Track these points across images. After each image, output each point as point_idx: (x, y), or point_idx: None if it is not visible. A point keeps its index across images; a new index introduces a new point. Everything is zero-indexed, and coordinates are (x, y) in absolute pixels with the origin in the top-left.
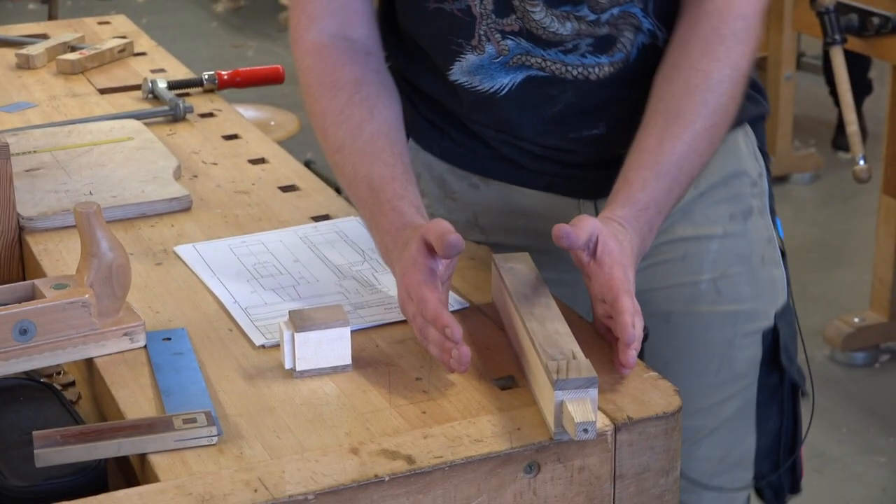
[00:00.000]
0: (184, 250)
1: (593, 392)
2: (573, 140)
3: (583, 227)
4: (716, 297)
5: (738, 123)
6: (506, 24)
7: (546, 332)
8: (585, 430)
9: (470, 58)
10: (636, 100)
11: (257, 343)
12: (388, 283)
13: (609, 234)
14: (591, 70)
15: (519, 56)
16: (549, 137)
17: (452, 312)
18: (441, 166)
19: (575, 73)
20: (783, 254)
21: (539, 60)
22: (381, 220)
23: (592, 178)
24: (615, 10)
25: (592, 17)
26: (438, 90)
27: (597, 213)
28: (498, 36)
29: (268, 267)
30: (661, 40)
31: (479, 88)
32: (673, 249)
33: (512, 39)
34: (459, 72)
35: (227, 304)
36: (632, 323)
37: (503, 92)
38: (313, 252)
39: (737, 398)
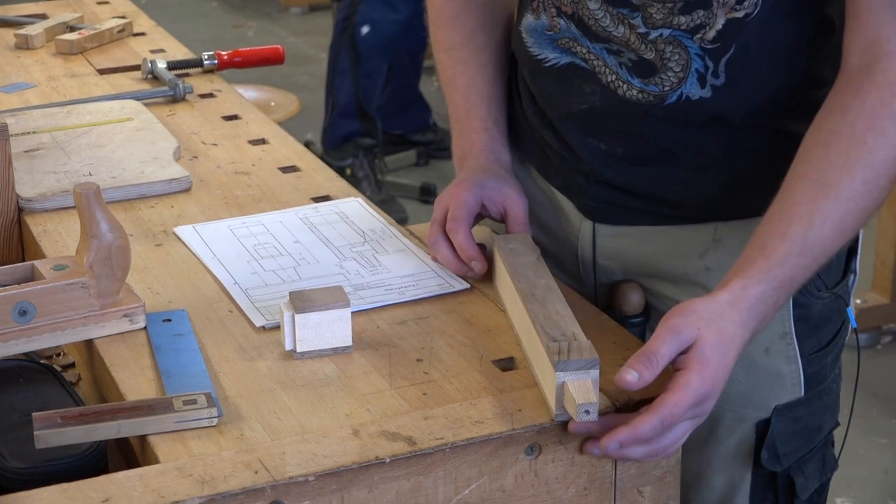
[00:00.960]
0: (184, 231)
1: (595, 373)
2: (591, 148)
3: (662, 354)
4: None
5: (765, 211)
6: (563, 2)
7: (547, 313)
8: (587, 412)
9: (529, 17)
10: (660, 143)
11: (258, 324)
12: (388, 265)
13: (712, 343)
14: (620, 84)
15: (568, 39)
16: (572, 133)
17: (451, 294)
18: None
19: (609, 77)
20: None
21: (584, 51)
22: (465, 133)
23: (596, 196)
24: (665, 32)
25: (643, 29)
26: (516, 41)
27: (594, 238)
28: (553, 10)
29: (268, 248)
30: (712, 90)
31: (531, 51)
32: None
33: (564, 20)
34: (524, 26)
35: (227, 286)
36: (649, 423)
37: (548, 64)
38: (314, 233)
39: (725, 479)
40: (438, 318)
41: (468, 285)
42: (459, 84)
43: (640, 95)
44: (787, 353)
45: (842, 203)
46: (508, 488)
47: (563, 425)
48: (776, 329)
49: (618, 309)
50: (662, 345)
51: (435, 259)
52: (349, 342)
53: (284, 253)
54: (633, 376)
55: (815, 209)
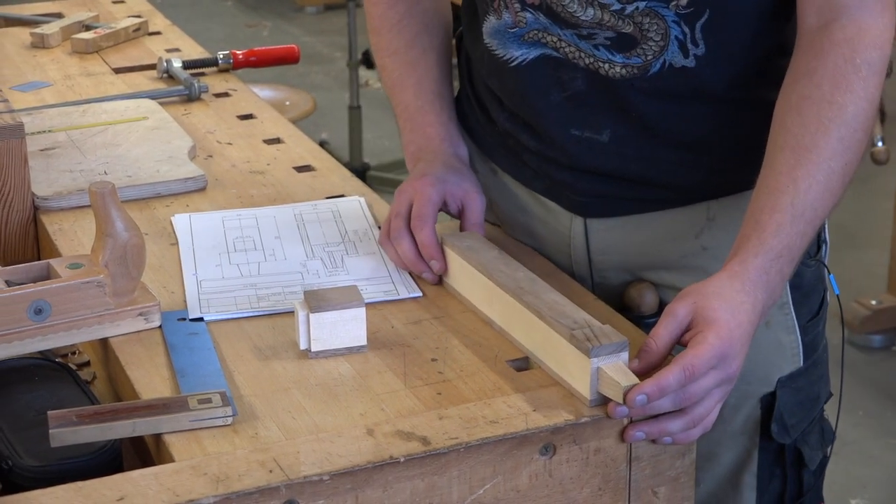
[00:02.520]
0: (178, 220)
1: (624, 356)
2: (574, 139)
3: (667, 329)
4: None
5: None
6: None
7: (547, 304)
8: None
9: (491, 20)
10: (649, 121)
11: (191, 316)
12: (350, 267)
13: (714, 307)
14: (601, 65)
15: (536, 31)
16: (552, 126)
17: (402, 300)
18: (471, 145)
19: (587, 61)
20: (809, 316)
21: (555, 40)
22: (420, 128)
23: (584, 190)
24: (640, 4)
25: (617, 6)
26: (477, 51)
27: (586, 234)
28: (517, 6)
29: (246, 241)
30: (695, 60)
31: (496, 53)
32: (672, 297)
33: (531, 13)
34: (486, 32)
35: (185, 274)
36: (672, 373)
37: (514, 63)
38: (298, 230)
39: (733, 455)
40: (453, 317)
41: (419, 293)
42: (408, 84)
43: (623, 70)
44: (786, 324)
45: (823, 164)
46: (523, 488)
47: (578, 426)
48: None
49: (633, 309)
50: (658, 328)
51: (391, 256)
52: (364, 341)
53: (259, 248)
54: (634, 363)
55: (798, 176)
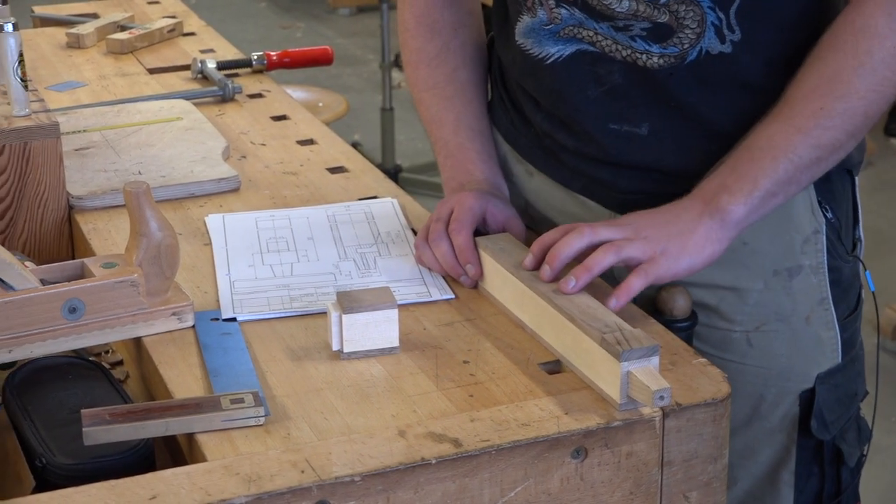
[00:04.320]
0: (212, 220)
1: (655, 360)
2: (613, 133)
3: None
4: (747, 349)
5: None
6: None
7: (579, 307)
8: (662, 397)
9: (525, 19)
10: (688, 111)
11: (224, 316)
12: (383, 268)
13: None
14: (638, 56)
15: (571, 27)
16: (590, 121)
17: (434, 302)
18: (504, 146)
19: (624, 53)
20: (850, 310)
21: (591, 34)
22: (461, 165)
23: (623, 187)
24: None
25: None
26: (509, 54)
27: None
28: (552, 2)
29: (279, 242)
30: (732, 46)
31: (530, 52)
32: (709, 294)
33: (566, 9)
34: (519, 32)
35: (218, 274)
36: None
37: (549, 60)
38: (331, 231)
39: (771, 452)
40: (485, 320)
41: (452, 295)
42: (447, 120)
43: (661, 61)
44: (826, 319)
45: (812, 139)
46: (554, 491)
47: (610, 429)
48: (815, 295)
49: (666, 313)
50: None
51: (420, 260)
52: (396, 343)
53: (292, 248)
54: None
55: (787, 148)
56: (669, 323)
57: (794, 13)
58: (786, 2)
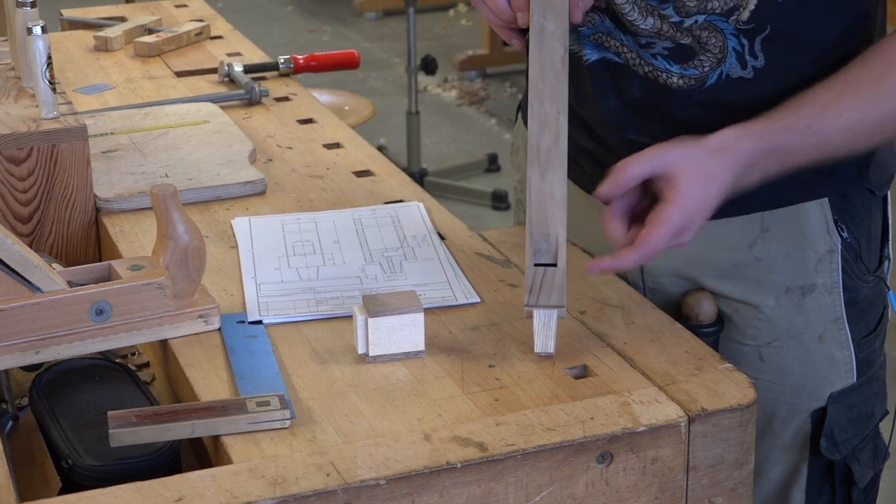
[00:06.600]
0: (238, 223)
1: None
2: (631, 144)
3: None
4: (759, 364)
5: (813, 197)
6: None
7: (540, 193)
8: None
9: None
10: (704, 130)
11: (250, 319)
12: (409, 272)
13: (695, 176)
14: (659, 74)
15: (600, 34)
16: (610, 129)
17: (460, 306)
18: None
19: (646, 69)
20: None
21: (617, 44)
22: None
23: None
24: (700, 18)
25: (676, 18)
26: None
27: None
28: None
29: (305, 245)
30: (754, 72)
31: (571, 48)
32: (723, 304)
33: (598, 15)
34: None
35: (244, 277)
36: (630, 258)
37: (583, 61)
38: (357, 235)
39: (782, 469)
40: (511, 324)
41: (477, 299)
42: None
43: (681, 81)
44: (840, 339)
45: (861, 107)
46: (579, 496)
47: (636, 434)
48: (828, 314)
49: (692, 319)
50: (629, 163)
51: (486, 15)
52: (422, 347)
53: (318, 252)
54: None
55: (832, 102)
56: (695, 328)
57: (824, 43)
58: (816, 31)
